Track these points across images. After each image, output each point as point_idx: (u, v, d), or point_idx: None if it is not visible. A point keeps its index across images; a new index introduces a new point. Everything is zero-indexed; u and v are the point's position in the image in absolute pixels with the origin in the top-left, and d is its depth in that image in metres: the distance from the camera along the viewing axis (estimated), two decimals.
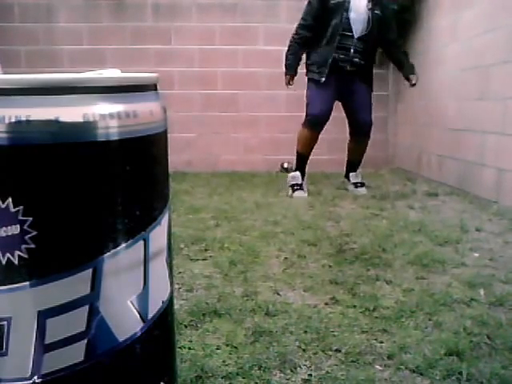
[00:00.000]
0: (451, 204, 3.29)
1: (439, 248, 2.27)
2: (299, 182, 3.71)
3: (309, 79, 3.72)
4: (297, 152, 3.82)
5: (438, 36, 4.30)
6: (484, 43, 3.49)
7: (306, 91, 3.73)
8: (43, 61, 4.98)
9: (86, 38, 5.11)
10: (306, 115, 3.71)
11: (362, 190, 3.73)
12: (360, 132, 3.80)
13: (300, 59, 3.73)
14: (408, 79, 3.80)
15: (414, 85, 3.81)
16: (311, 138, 3.72)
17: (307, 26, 3.62)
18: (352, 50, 3.58)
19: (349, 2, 3.51)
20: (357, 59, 3.60)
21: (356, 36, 3.57)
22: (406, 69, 3.82)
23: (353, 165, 3.91)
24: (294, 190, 3.67)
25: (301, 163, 3.81)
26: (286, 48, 3.73)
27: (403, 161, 5.12)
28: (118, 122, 0.66)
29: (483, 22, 3.51)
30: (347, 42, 3.57)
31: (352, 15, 3.53)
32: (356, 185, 3.80)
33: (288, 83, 3.74)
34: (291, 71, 3.72)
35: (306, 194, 3.63)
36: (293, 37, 3.70)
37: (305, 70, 3.74)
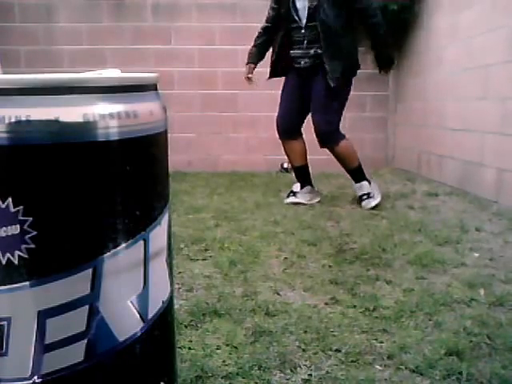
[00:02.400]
0: (451, 204, 3.29)
1: (439, 248, 2.27)
2: (293, 190, 3.41)
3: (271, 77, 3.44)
4: (291, 165, 3.60)
5: (438, 36, 4.30)
6: (484, 43, 3.49)
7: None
8: (43, 61, 4.98)
9: (85, 38, 5.11)
10: (276, 120, 3.40)
11: (366, 204, 3.16)
12: (319, 141, 3.27)
13: (262, 51, 3.42)
14: (379, 67, 3.34)
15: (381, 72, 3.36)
16: (288, 147, 3.39)
17: (267, 19, 3.37)
18: (305, 42, 3.15)
19: None
20: (313, 50, 3.14)
21: (303, 25, 3.15)
22: (380, 55, 3.28)
23: (352, 174, 3.38)
24: (288, 197, 3.38)
25: (299, 176, 3.46)
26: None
27: (403, 161, 5.13)
28: (118, 122, 0.66)
29: (483, 22, 3.51)
30: (298, 34, 3.18)
31: (297, 3, 3.14)
32: (361, 198, 3.24)
33: (247, 77, 3.43)
34: (251, 60, 3.43)
35: (298, 200, 3.29)
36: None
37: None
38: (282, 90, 3.39)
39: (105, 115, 0.65)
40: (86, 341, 0.67)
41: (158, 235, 0.74)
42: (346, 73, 3.21)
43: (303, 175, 3.45)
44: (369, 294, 1.70)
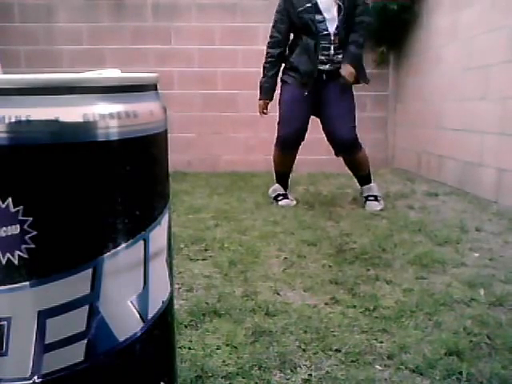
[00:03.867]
0: (451, 204, 3.29)
1: (439, 248, 2.27)
2: (282, 192, 3.33)
3: (284, 83, 3.26)
4: (275, 171, 3.41)
5: (438, 36, 4.30)
6: (484, 43, 3.49)
7: (278, 101, 3.26)
8: (43, 61, 4.98)
9: (85, 38, 5.11)
10: (279, 134, 3.24)
11: (374, 205, 3.14)
12: (340, 151, 3.20)
13: (276, 82, 3.29)
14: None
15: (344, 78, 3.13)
16: (287, 159, 3.31)
17: (277, 42, 3.22)
18: (332, 48, 3.12)
19: (316, 4, 3.08)
20: (338, 55, 3.13)
21: (332, 32, 3.10)
22: (348, 54, 3.15)
23: (361, 179, 3.31)
24: (278, 201, 3.28)
25: (280, 180, 3.39)
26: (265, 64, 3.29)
27: (403, 161, 5.13)
28: (118, 122, 0.66)
29: (483, 22, 3.51)
30: (325, 41, 3.11)
31: (325, 15, 3.09)
32: (367, 198, 3.21)
33: (262, 112, 3.31)
34: (266, 95, 3.29)
35: (294, 202, 3.27)
36: (265, 58, 3.28)
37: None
38: (295, 101, 3.19)
39: (105, 115, 0.65)
40: (85, 341, 0.67)
41: (158, 235, 0.74)
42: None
43: (286, 180, 3.41)
44: (369, 294, 1.70)
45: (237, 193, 3.70)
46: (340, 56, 3.15)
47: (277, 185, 3.39)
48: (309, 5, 3.08)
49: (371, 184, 3.28)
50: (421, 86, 4.67)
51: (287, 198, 3.31)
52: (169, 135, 0.79)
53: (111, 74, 0.72)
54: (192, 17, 5.14)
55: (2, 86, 0.63)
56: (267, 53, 3.29)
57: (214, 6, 5.11)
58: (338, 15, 3.12)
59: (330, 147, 3.24)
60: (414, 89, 4.87)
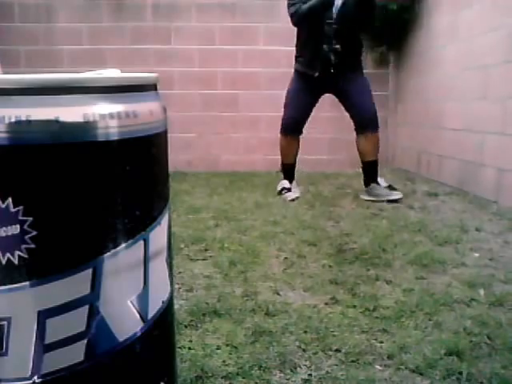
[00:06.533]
0: (451, 204, 3.29)
1: (439, 248, 2.27)
2: (287, 186, 3.57)
3: (295, 71, 3.48)
4: (282, 163, 3.66)
5: (438, 36, 4.30)
6: (484, 43, 3.49)
7: (287, 89, 3.51)
8: (43, 61, 4.98)
9: (85, 38, 5.11)
10: (284, 118, 3.50)
11: (399, 193, 3.34)
12: (364, 125, 3.43)
13: None
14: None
15: None
16: (291, 144, 3.55)
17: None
18: (333, 38, 3.29)
19: None
20: (338, 46, 3.30)
21: (335, 21, 3.27)
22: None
23: (371, 167, 3.47)
24: (282, 194, 3.51)
25: (287, 172, 3.64)
26: (294, 16, 3.32)
27: (403, 161, 5.13)
28: (118, 122, 0.66)
29: (483, 22, 3.51)
30: (329, 29, 3.29)
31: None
32: (390, 187, 3.43)
33: None
34: None
35: (297, 195, 3.48)
36: (289, 7, 3.36)
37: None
38: (303, 88, 3.43)
39: (105, 115, 0.65)
40: (85, 341, 0.67)
41: (158, 235, 0.74)
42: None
43: (292, 173, 3.67)
44: (369, 294, 1.70)
45: (237, 193, 3.70)
46: (341, 46, 3.30)
47: (284, 180, 3.63)
48: None
49: (379, 180, 3.48)
50: (421, 86, 4.67)
51: (290, 191, 3.54)
52: (169, 135, 0.79)
53: (111, 74, 0.72)
54: (192, 17, 5.14)
55: (2, 86, 0.63)
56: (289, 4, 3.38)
57: (214, 6, 5.11)
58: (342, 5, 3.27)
59: (353, 124, 3.49)
60: (414, 89, 4.87)
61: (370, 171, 3.48)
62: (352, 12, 3.25)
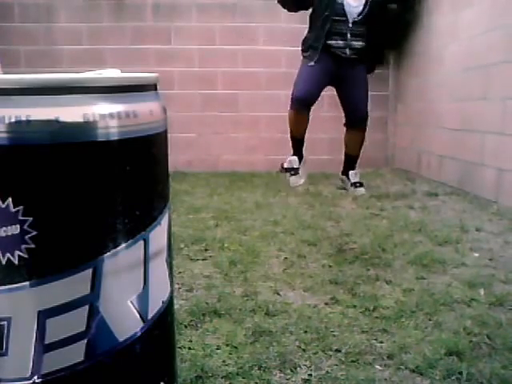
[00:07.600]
0: (451, 204, 3.29)
1: (439, 248, 2.27)
2: (295, 166, 3.73)
3: (303, 57, 3.73)
4: (290, 136, 3.82)
5: (438, 36, 4.30)
6: (484, 43, 3.48)
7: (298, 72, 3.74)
8: (43, 61, 4.98)
9: (85, 38, 5.11)
10: (292, 94, 3.69)
11: (361, 190, 3.66)
12: (355, 123, 3.74)
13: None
14: (372, 67, 3.84)
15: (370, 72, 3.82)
16: (299, 119, 3.69)
17: None
18: (349, 35, 3.56)
19: None
20: (356, 42, 3.58)
21: (351, 20, 3.55)
22: (375, 57, 3.84)
23: (351, 160, 3.84)
24: (290, 175, 3.72)
25: (296, 147, 3.79)
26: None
27: (403, 161, 5.12)
28: (118, 122, 0.66)
29: (483, 22, 3.51)
30: (341, 27, 3.54)
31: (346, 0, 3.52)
32: (355, 185, 3.72)
33: None
34: None
35: (303, 180, 3.67)
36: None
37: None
38: (309, 71, 3.60)
39: (105, 115, 0.65)
40: (85, 341, 0.67)
41: (158, 235, 0.74)
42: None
43: (301, 150, 3.81)
44: (369, 294, 1.70)
45: (237, 193, 3.70)
46: (359, 43, 3.56)
47: (293, 157, 3.78)
48: None
49: (356, 170, 3.78)
50: (421, 86, 4.67)
51: (298, 174, 3.71)
52: (169, 135, 0.79)
53: (111, 73, 0.72)
54: (192, 17, 5.13)
55: (2, 86, 0.63)
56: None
57: (214, 6, 5.11)
58: (365, 5, 3.51)
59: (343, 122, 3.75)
60: (414, 89, 4.86)
61: (347, 163, 3.82)
62: (374, 13, 3.53)
